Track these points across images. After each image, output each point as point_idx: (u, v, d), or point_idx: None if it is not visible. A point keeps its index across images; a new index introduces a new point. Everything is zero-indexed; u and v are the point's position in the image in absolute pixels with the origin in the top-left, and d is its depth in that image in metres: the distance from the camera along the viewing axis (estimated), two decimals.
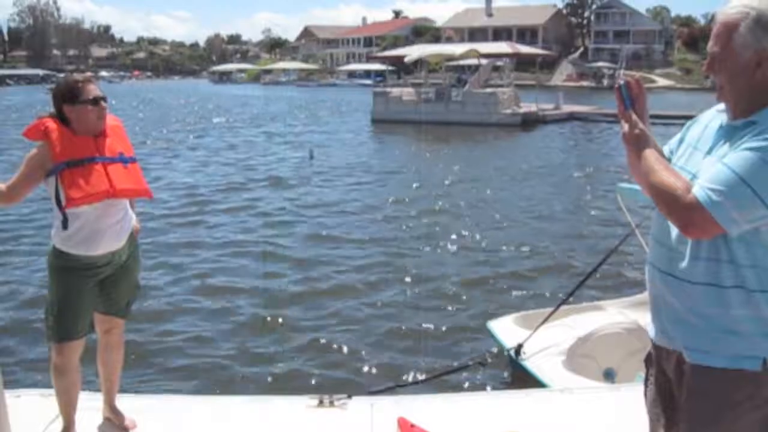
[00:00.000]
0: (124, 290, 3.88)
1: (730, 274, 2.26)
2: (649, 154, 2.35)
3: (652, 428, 2.65)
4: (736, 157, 2.16)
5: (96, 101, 3.67)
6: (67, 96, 3.65)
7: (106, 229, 3.69)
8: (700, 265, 2.29)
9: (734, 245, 2.24)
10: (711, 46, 2.33)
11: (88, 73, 3.84)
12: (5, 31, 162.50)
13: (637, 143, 2.40)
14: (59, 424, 4.13)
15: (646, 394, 2.69)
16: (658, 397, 2.61)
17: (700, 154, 2.39)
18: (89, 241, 3.66)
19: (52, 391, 4.57)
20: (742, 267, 2.25)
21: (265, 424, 4.26)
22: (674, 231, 2.34)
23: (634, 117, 2.43)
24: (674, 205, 2.21)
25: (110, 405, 4.18)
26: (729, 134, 2.31)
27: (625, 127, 2.44)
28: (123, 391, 4.36)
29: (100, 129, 3.71)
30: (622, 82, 2.51)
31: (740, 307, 2.26)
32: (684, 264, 2.33)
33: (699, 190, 2.16)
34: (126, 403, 4.24)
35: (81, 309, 3.78)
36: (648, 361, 2.70)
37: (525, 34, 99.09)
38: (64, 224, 3.60)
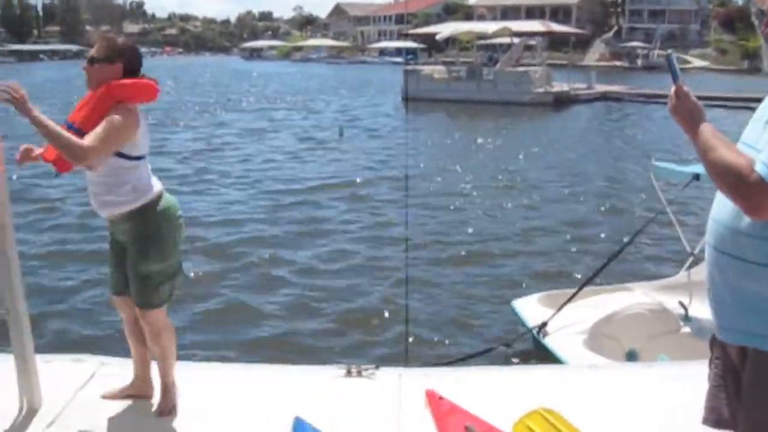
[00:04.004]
0: (129, 274, 3.84)
1: None
2: (705, 129, 2.16)
3: (711, 409, 2.46)
4: None
5: (89, 60, 3.65)
6: None
7: (90, 194, 3.72)
8: (766, 246, 2.11)
9: None
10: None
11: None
12: (40, 6, 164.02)
13: (690, 117, 2.21)
14: (89, 389, 4.22)
15: (709, 377, 2.49)
16: (720, 383, 2.42)
17: (760, 125, 2.20)
18: None
19: (83, 357, 4.67)
20: None
21: (292, 393, 4.29)
22: (735, 209, 2.13)
23: (685, 89, 2.25)
24: (736, 185, 2.01)
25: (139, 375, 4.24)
26: None
27: (674, 99, 2.25)
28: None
29: (88, 90, 3.66)
30: (671, 52, 2.40)
31: None
32: (747, 244, 2.15)
33: (761, 167, 1.98)
34: (154, 368, 4.29)
35: (109, 264, 3.93)
36: (712, 343, 2.47)
37: (558, 13, 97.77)
38: None
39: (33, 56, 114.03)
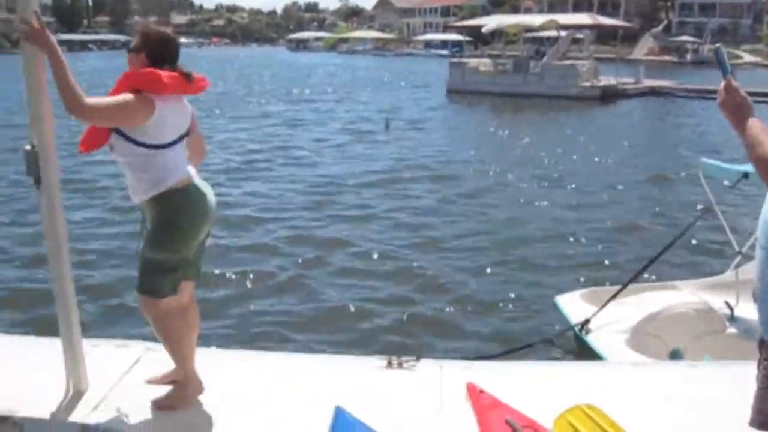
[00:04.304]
0: None
1: None
2: (754, 124, 2.14)
3: (759, 410, 2.41)
4: None
5: (128, 49, 3.79)
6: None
7: None
8: None
9: None
10: None
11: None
12: None
13: (740, 111, 2.19)
14: (134, 374, 4.29)
15: (757, 378, 2.44)
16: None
17: None
18: None
19: (128, 342, 4.74)
20: None
21: (333, 383, 4.31)
22: None
23: (734, 83, 2.22)
24: None
25: None
26: None
27: (723, 94, 2.23)
28: None
29: None
30: (719, 45, 2.36)
31: None
32: None
33: None
34: (200, 356, 4.34)
35: None
36: (761, 345, 2.43)
37: (606, 6, 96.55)
38: None
39: (82, 46, 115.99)
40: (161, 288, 3.81)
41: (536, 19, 42.33)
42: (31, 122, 3.65)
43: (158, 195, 3.71)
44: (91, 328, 5.01)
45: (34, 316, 7.60)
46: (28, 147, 3.66)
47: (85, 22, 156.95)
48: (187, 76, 3.70)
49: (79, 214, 11.60)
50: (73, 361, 4.03)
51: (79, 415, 3.86)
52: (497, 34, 44.17)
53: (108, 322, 7.08)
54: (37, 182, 3.70)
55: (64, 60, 3.37)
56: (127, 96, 3.51)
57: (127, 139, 3.62)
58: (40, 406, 3.91)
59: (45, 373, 4.20)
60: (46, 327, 6.53)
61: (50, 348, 4.33)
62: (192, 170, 3.82)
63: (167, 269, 3.80)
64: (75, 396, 4.01)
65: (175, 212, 3.75)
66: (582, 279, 8.70)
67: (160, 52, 3.70)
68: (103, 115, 3.49)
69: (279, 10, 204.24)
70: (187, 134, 3.83)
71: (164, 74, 3.60)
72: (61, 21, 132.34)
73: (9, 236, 10.58)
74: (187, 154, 3.84)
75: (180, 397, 4.01)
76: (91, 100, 3.41)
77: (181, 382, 4.03)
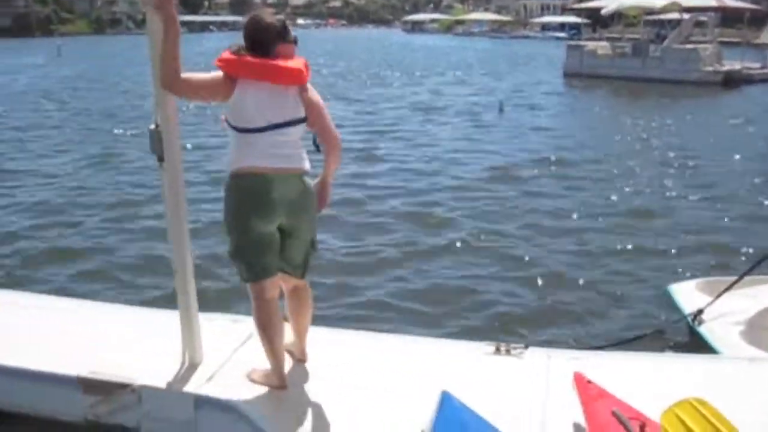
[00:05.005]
0: None
1: None
2: None
3: None
4: None
5: (296, 41, 3.88)
6: (283, 34, 3.82)
7: None
8: None
9: None
10: None
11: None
12: None
13: None
14: (247, 348, 4.42)
15: None
16: None
17: None
18: None
19: (240, 317, 4.89)
20: None
21: (440, 367, 4.34)
22: None
23: None
24: None
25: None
26: None
27: None
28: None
29: None
30: None
31: None
32: None
33: None
34: (311, 333, 4.43)
35: None
36: None
37: None
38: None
39: (203, 27, 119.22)
40: (240, 271, 3.98)
41: (658, 1, 40.89)
42: (155, 102, 3.80)
43: (228, 176, 3.89)
44: (207, 302, 5.16)
45: (152, 287, 7.90)
46: (152, 126, 3.81)
47: (206, 3, 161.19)
48: (271, 66, 3.75)
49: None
50: (190, 334, 4.19)
51: (193, 386, 4.01)
52: (616, 16, 43.04)
53: (223, 297, 7.28)
54: (160, 160, 3.85)
55: (179, 35, 3.60)
56: (215, 74, 3.71)
57: (226, 119, 3.82)
58: (157, 375, 4.07)
59: (162, 344, 4.38)
60: (163, 299, 6.80)
61: (168, 320, 4.51)
62: (280, 162, 3.83)
63: (236, 253, 3.95)
64: (190, 368, 4.17)
65: (229, 196, 3.91)
66: (698, 269, 8.42)
67: (250, 37, 3.81)
68: (191, 90, 3.70)
69: None
70: (288, 124, 3.82)
71: (242, 59, 3.73)
72: (183, 3, 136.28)
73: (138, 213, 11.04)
74: (291, 145, 3.87)
75: (269, 381, 4.13)
76: (184, 75, 3.62)
77: (263, 369, 4.15)
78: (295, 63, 3.79)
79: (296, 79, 3.78)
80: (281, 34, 3.80)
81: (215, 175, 12.57)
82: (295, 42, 3.86)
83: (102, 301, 6.10)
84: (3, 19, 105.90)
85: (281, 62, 3.74)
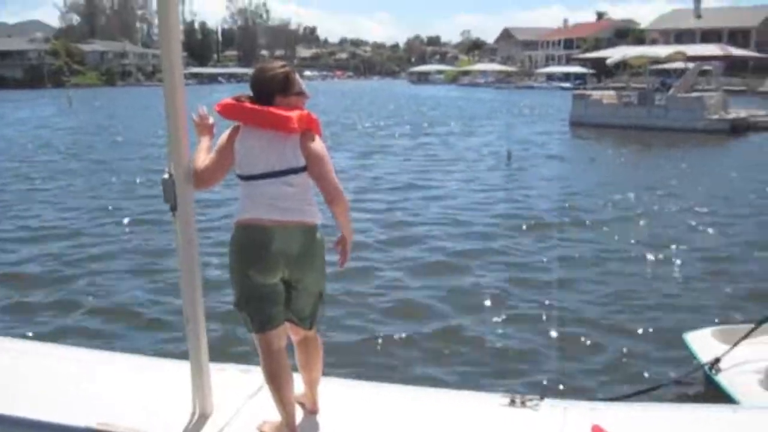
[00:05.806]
0: None
1: None
2: None
3: None
4: None
5: (304, 93, 3.86)
6: (284, 86, 3.80)
7: None
8: None
9: None
10: None
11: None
12: (219, 33, 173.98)
13: None
14: (259, 399, 4.37)
15: None
16: None
17: None
18: None
19: (251, 368, 4.84)
20: None
21: (455, 419, 4.28)
22: None
23: None
24: None
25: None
26: None
27: None
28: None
29: None
30: None
31: None
32: None
33: None
34: (323, 385, 4.39)
35: None
36: None
37: (736, 37, 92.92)
38: None
39: (212, 78, 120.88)
40: (246, 322, 3.94)
41: (662, 51, 41.34)
42: (169, 151, 3.81)
43: (233, 226, 3.91)
44: (216, 351, 5.13)
45: (161, 337, 7.88)
46: (165, 175, 3.82)
47: (215, 56, 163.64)
48: (261, 111, 3.77)
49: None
50: (200, 384, 4.14)
51: None
52: (621, 65, 43.36)
53: (229, 342, 7.26)
54: (173, 209, 3.85)
55: (204, 145, 3.95)
56: (221, 140, 3.90)
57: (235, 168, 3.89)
58: (168, 427, 4.03)
59: (173, 395, 4.33)
60: (172, 349, 6.77)
61: (178, 371, 4.48)
62: (280, 214, 3.77)
63: (240, 304, 3.91)
64: (200, 419, 4.12)
65: (231, 247, 3.90)
66: (714, 316, 8.37)
67: (253, 87, 3.88)
68: (218, 168, 3.89)
69: (401, 44, 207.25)
70: (287, 172, 3.77)
71: (238, 105, 3.83)
72: (193, 55, 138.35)
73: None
74: (293, 196, 3.80)
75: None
76: (202, 165, 3.90)
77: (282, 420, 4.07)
78: (292, 112, 3.73)
79: (283, 125, 3.69)
80: (283, 85, 3.80)
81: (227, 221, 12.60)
82: (300, 94, 3.84)
83: (112, 351, 6.08)
84: (16, 70, 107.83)
85: (274, 109, 3.71)
